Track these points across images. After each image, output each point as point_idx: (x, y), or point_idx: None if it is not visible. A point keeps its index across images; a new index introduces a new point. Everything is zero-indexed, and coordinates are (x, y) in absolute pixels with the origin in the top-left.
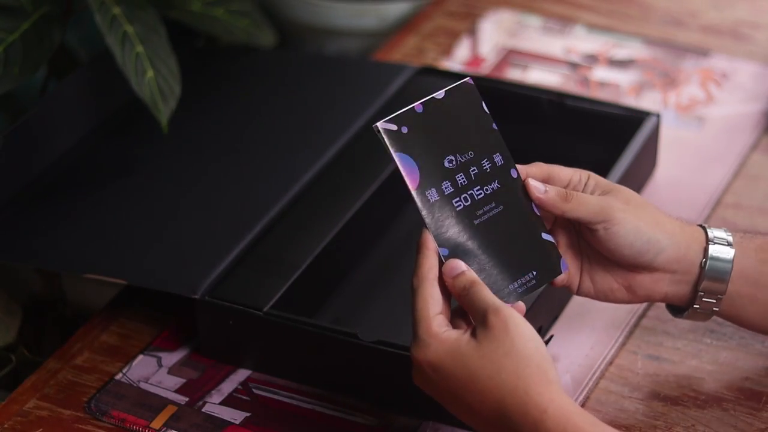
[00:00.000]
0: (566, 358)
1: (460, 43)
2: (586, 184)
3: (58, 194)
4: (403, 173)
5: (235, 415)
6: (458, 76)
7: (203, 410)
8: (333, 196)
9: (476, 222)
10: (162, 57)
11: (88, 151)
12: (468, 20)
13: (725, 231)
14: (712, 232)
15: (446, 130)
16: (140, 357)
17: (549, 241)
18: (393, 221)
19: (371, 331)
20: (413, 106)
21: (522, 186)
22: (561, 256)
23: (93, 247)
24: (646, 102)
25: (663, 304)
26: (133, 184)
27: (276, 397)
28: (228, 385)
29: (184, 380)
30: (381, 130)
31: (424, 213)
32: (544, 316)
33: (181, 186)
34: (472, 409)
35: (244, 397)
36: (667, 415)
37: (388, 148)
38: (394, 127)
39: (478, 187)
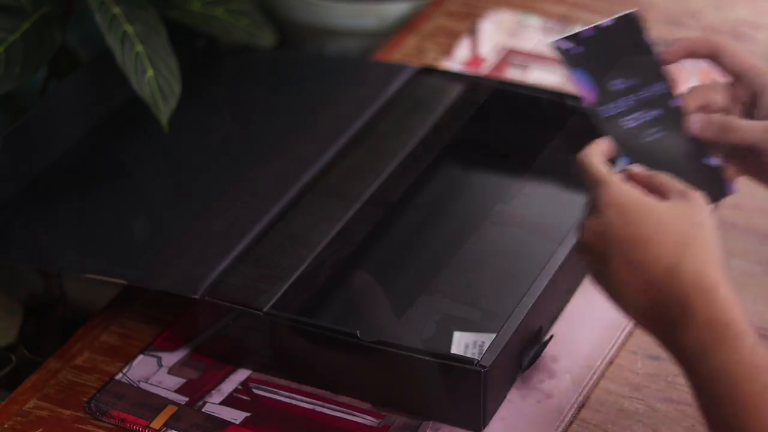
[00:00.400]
0: (566, 358)
1: (460, 44)
2: (762, 94)
3: (58, 194)
4: (580, 88)
5: (235, 415)
6: (458, 76)
7: (203, 410)
8: (333, 196)
9: (642, 143)
10: (162, 56)
11: (88, 150)
12: (468, 20)
13: None
14: None
15: (614, 55)
16: (140, 357)
17: (714, 165)
18: (393, 222)
19: (371, 331)
20: (585, 29)
21: (683, 114)
22: (727, 180)
23: (93, 247)
24: None
25: None
26: (133, 184)
27: (276, 397)
28: (228, 385)
29: (184, 380)
30: (558, 48)
31: (600, 126)
32: (543, 316)
33: (181, 186)
34: (644, 264)
35: (244, 397)
36: (667, 416)
37: (566, 63)
38: (569, 45)
39: (644, 111)
